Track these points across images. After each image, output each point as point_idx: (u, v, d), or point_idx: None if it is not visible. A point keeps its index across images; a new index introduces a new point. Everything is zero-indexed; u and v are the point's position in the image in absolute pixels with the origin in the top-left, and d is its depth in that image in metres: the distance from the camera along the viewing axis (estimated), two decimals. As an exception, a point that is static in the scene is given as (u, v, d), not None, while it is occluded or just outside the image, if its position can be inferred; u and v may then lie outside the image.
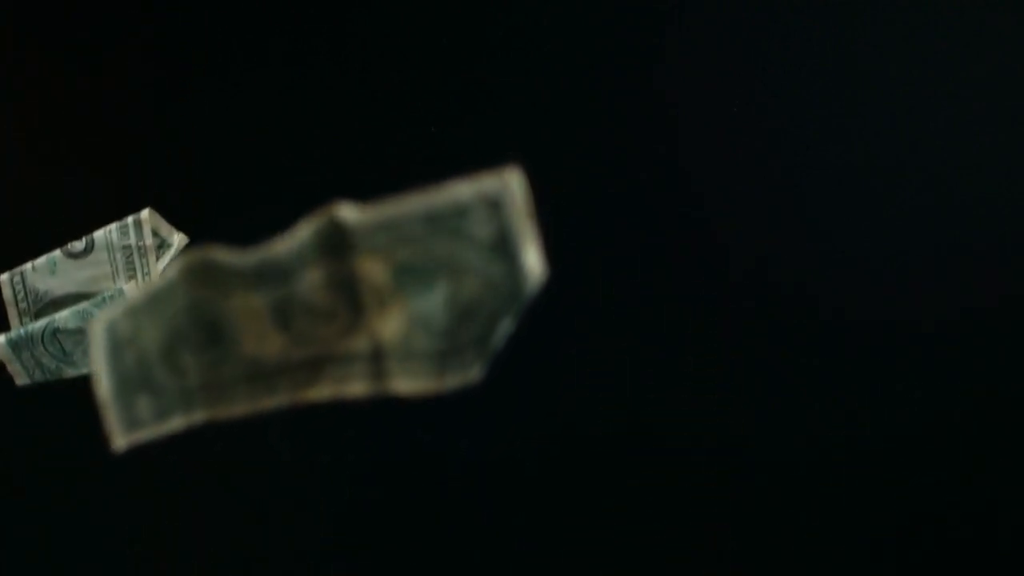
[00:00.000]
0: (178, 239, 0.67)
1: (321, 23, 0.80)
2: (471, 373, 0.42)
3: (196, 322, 0.43)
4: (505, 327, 0.42)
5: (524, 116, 0.77)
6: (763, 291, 0.74)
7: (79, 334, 0.64)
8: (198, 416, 0.45)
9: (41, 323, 0.65)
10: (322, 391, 0.43)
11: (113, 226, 0.67)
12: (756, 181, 0.76)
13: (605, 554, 0.72)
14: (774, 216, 0.75)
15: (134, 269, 0.66)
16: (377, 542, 0.73)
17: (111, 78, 0.81)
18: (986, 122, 0.75)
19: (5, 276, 0.65)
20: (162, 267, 0.66)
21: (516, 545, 0.72)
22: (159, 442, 0.44)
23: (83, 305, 0.64)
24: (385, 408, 0.52)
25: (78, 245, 0.66)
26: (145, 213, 0.68)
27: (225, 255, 0.43)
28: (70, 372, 0.65)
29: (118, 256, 0.66)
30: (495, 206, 0.42)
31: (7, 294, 0.65)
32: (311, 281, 0.42)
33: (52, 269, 0.65)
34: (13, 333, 0.65)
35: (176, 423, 0.45)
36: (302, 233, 0.43)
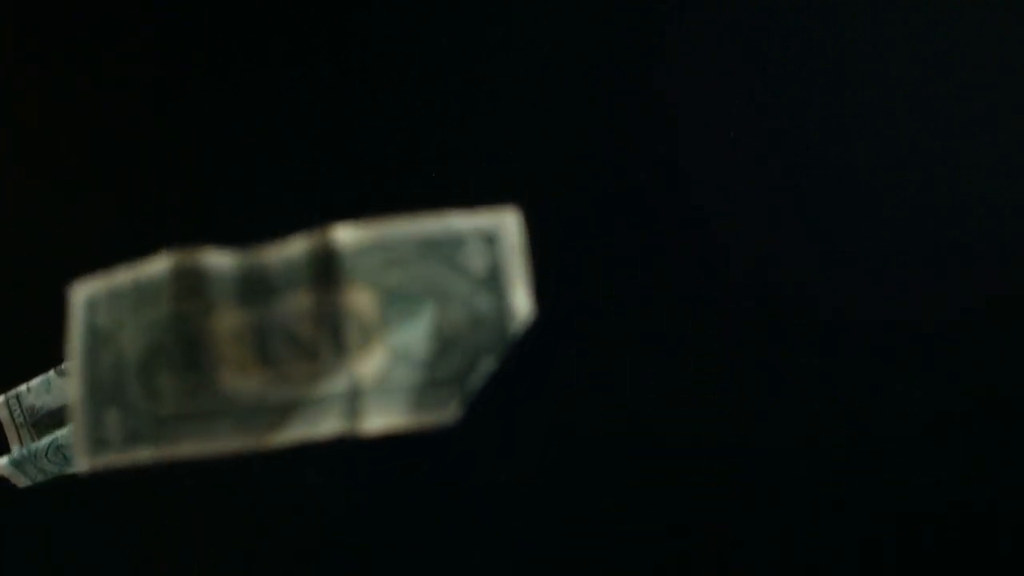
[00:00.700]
0: None
1: (321, 23, 0.80)
2: (448, 411, 0.42)
3: (178, 339, 0.43)
4: (486, 365, 0.42)
5: (524, 116, 0.77)
6: (763, 291, 0.74)
7: None
8: (167, 450, 0.45)
9: (44, 441, 0.66)
10: (294, 433, 0.43)
11: None
12: (756, 181, 0.76)
13: (605, 554, 0.72)
14: (774, 216, 0.75)
15: None
16: (376, 542, 0.73)
17: (111, 79, 0.81)
18: (986, 122, 0.75)
19: (0, 398, 0.66)
20: None
21: (515, 545, 0.72)
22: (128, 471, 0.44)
23: None
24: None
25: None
26: None
27: (213, 259, 0.42)
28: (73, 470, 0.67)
29: None
30: (491, 241, 0.42)
31: (3, 415, 0.67)
32: (297, 306, 0.42)
33: (47, 388, 0.67)
34: (16, 453, 0.66)
35: (145, 453, 0.45)
36: (295, 248, 0.42)
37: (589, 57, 0.78)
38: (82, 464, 0.43)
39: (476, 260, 0.42)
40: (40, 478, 0.66)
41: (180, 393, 0.43)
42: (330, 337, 0.42)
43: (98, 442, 0.44)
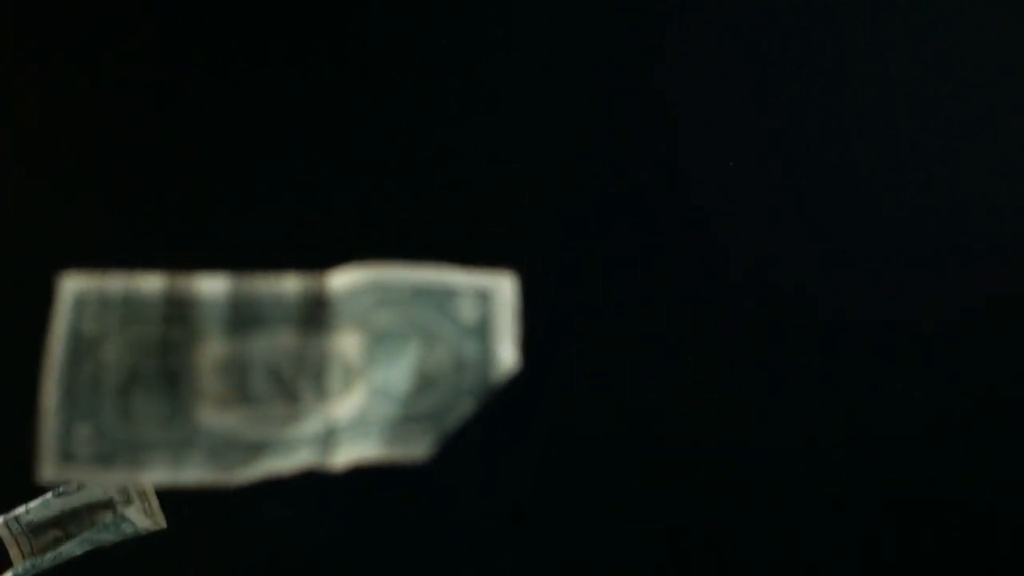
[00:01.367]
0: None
1: (321, 23, 0.80)
2: (419, 447, 0.42)
3: (161, 367, 0.42)
4: (464, 408, 0.42)
5: (524, 116, 0.77)
6: (763, 291, 0.74)
7: (82, 552, 0.68)
8: (134, 474, 0.44)
9: (48, 557, 0.67)
10: (265, 468, 0.43)
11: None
12: (756, 181, 0.76)
13: (605, 554, 0.72)
14: (774, 216, 0.75)
15: (128, 492, 0.68)
16: (378, 540, 0.73)
17: (111, 79, 0.81)
18: (986, 122, 0.75)
19: (0, 520, 0.68)
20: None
21: (516, 544, 0.72)
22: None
23: (86, 534, 0.67)
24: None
25: (69, 488, 0.68)
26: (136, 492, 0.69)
27: (206, 285, 0.42)
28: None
29: (110, 488, 0.68)
30: (485, 298, 0.42)
31: (4, 535, 0.68)
32: (283, 344, 0.42)
33: (46, 506, 0.68)
34: (20, 569, 0.67)
35: (112, 477, 0.44)
36: (289, 287, 0.42)
37: (589, 57, 0.78)
38: (46, 474, 0.43)
39: (467, 311, 0.43)
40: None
41: (155, 420, 0.43)
42: (313, 381, 0.42)
43: (65, 455, 0.44)
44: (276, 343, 0.43)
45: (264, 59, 0.79)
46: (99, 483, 0.43)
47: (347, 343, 0.43)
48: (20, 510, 0.67)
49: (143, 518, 0.66)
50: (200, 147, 0.79)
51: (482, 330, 0.43)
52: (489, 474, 0.73)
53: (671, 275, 0.74)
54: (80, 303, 0.44)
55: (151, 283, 0.43)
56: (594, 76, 0.77)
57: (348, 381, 0.43)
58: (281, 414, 0.43)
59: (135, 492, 0.66)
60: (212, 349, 0.43)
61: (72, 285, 0.44)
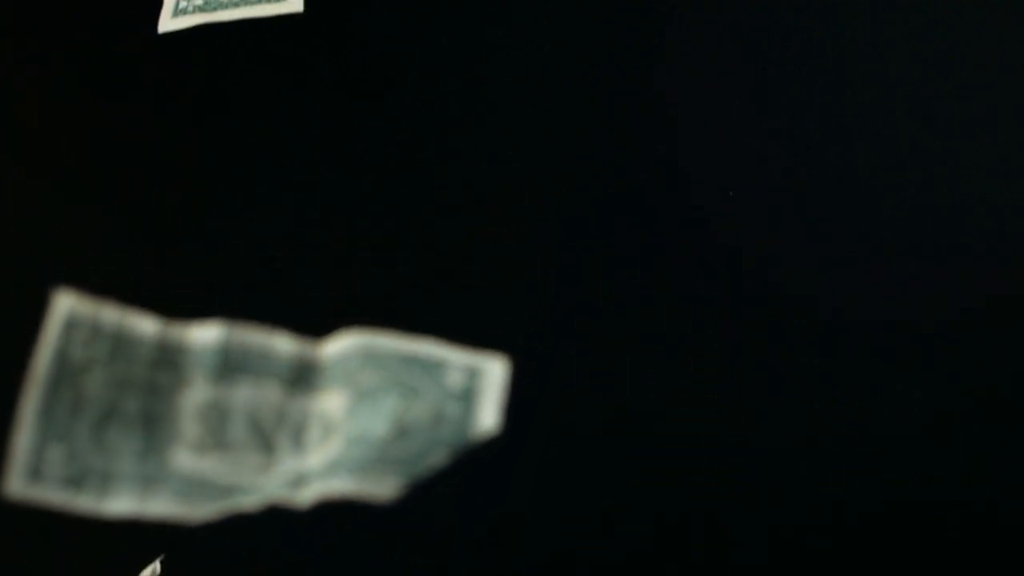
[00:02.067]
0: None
1: (321, 23, 0.80)
2: (386, 488, 0.42)
3: (142, 407, 0.43)
4: (436, 459, 0.42)
5: (524, 116, 0.77)
6: (763, 291, 0.74)
7: None
8: (101, 504, 0.44)
9: None
10: (231, 506, 0.43)
11: None
12: (756, 181, 0.76)
13: (605, 554, 0.72)
14: (774, 216, 0.75)
15: None
16: (378, 539, 0.73)
17: (111, 79, 0.81)
18: (986, 122, 0.75)
19: None
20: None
21: (516, 544, 0.72)
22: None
23: None
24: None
25: None
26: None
27: (199, 333, 0.42)
28: None
29: None
30: (474, 374, 0.43)
31: None
32: (267, 397, 0.42)
33: None
34: None
35: (81, 502, 0.44)
36: (281, 344, 0.43)
37: (589, 57, 0.78)
38: (11, 488, 0.43)
39: (454, 381, 0.43)
40: None
41: (129, 454, 0.43)
42: (291, 437, 0.43)
43: (34, 472, 0.44)
44: (260, 395, 0.43)
45: (264, 59, 0.80)
46: (65, 506, 0.44)
47: (330, 402, 0.43)
48: None
49: None
50: (200, 147, 0.79)
51: (467, 396, 0.44)
52: (489, 474, 0.73)
53: (671, 275, 0.74)
54: (71, 326, 0.44)
55: (146, 325, 0.44)
56: (594, 76, 0.78)
57: (326, 435, 0.43)
58: (255, 463, 0.43)
59: None
60: (195, 394, 0.43)
61: (65, 305, 0.44)
